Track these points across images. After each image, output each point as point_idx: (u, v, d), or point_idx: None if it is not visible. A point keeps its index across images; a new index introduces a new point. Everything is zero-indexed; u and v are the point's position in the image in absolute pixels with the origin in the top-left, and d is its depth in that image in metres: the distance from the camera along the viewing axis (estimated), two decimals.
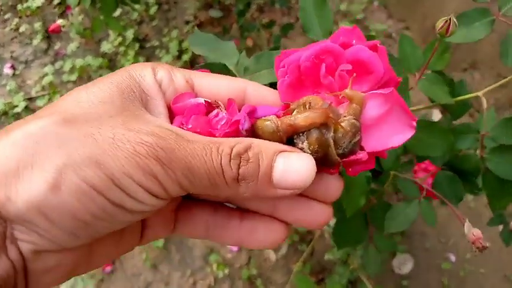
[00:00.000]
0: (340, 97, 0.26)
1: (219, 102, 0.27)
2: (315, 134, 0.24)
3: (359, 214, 0.63)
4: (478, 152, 0.54)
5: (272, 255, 1.35)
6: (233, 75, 0.40)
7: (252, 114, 0.26)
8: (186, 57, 1.67)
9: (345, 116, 0.25)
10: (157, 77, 0.26)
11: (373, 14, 1.82)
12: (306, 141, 0.24)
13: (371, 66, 0.26)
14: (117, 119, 0.22)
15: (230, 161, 0.22)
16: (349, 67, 0.26)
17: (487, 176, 0.53)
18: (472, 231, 0.46)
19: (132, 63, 1.66)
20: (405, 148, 0.50)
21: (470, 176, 0.57)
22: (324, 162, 0.25)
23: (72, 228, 0.20)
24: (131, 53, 1.72)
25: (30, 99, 1.69)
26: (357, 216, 0.62)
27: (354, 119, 0.25)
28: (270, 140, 0.24)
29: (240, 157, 0.22)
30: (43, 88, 1.70)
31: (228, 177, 0.22)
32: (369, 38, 0.29)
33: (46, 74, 1.73)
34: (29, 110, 1.65)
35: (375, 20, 1.80)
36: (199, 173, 0.21)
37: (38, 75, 1.74)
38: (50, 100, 1.65)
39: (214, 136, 0.24)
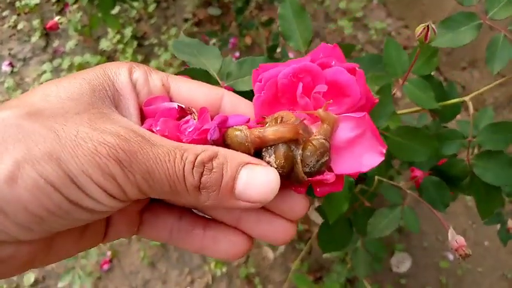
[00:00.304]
0: (314, 116, 0.26)
1: (193, 109, 0.26)
2: (282, 149, 0.24)
3: (343, 219, 0.63)
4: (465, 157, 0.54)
5: (270, 254, 1.35)
6: (215, 81, 0.40)
7: (224, 124, 0.25)
8: None
9: (315, 136, 0.25)
10: (133, 76, 0.26)
11: (372, 12, 1.82)
12: (273, 155, 0.24)
13: (348, 90, 0.26)
14: (84, 117, 0.22)
15: (193, 168, 0.22)
16: (325, 89, 0.26)
17: (474, 181, 0.53)
18: (456, 239, 0.46)
19: (131, 60, 1.66)
20: (391, 154, 0.50)
21: (458, 181, 0.57)
22: (290, 179, 0.25)
23: (26, 222, 0.20)
24: (129, 50, 1.71)
25: None
26: (341, 221, 0.62)
27: (324, 139, 0.25)
28: (238, 150, 0.24)
29: (204, 166, 0.22)
30: None
31: (190, 184, 0.22)
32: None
33: (44, 72, 1.72)
34: None
35: (374, 18, 1.80)
36: (160, 178, 0.21)
37: (36, 73, 1.74)
38: None
39: (181, 141, 0.24)
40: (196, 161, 0.22)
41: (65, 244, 0.24)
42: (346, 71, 0.26)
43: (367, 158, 0.25)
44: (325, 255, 1.28)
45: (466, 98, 0.51)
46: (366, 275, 0.83)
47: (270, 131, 0.24)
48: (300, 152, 0.24)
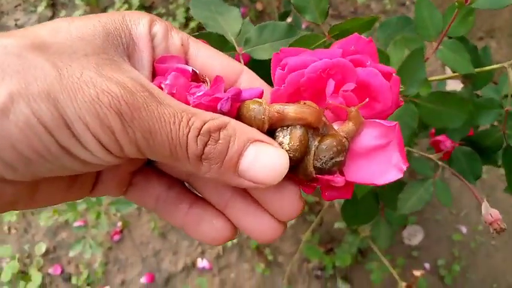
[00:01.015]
0: (338, 113, 0.24)
1: (207, 78, 0.24)
2: (299, 131, 0.22)
3: (369, 193, 0.61)
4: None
5: None
6: (232, 47, 0.38)
7: (237, 96, 0.23)
8: (193, 24, 1.63)
9: (337, 132, 0.23)
10: (153, 29, 0.24)
11: None
12: (287, 136, 0.22)
13: (380, 95, 0.24)
14: (91, 60, 0.20)
15: (198, 136, 0.20)
16: (352, 87, 0.23)
17: (507, 153, 0.51)
18: (490, 212, 0.43)
19: None
20: (421, 121, 0.47)
21: (490, 152, 0.54)
22: (297, 171, 0.23)
23: (12, 160, 0.18)
24: None
25: None
26: (367, 195, 0.60)
27: (345, 137, 0.23)
28: (251, 125, 0.22)
29: (210, 135, 0.21)
30: None
31: (191, 153, 0.20)
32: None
33: None
34: None
35: None
36: (161, 140, 0.20)
37: None
38: None
39: (187, 103, 0.22)
40: (203, 128, 0.20)
41: (52, 191, 0.23)
42: (381, 75, 0.24)
43: (385, 171, 0.23)
44: (336, 226, 1.27)
45: (506, 64, 0.47)
46: (387, 247, 0.81)
47: (292, 108, 0.22)
48: (316, 143, 0.23)
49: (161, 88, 0.23)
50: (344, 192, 0.24)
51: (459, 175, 0.53)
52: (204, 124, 0.20)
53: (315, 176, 0.23)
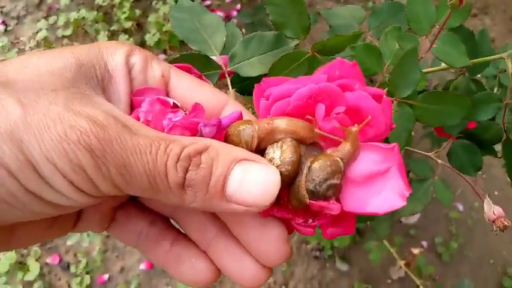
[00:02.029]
0: (332, 140, 0.22)
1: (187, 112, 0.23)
2: (290, 143, 0.21)
3: None
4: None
5: None
6: (217, 67, 0.36)
7: (218, 126, 0.22)
8: None
9: (331, 153, 0.21)
10: (131, 60, 0.23)
11: None
12: (278, 150, 0.21)
13: (373, 120, 0.22)
14: (60, 95, 0.19)
15: (177, 162, 0.19)
16: (343, 109, 0.22)
17: (507, 146, 0.50)
18: (493, 210, 0.41)
19: (128, 15, 1.60)
20: (417, 120, 0.46)
21: (489, 144, 0.53)
22: (289, 196, 0.21)
23: None
24: (127, 5, 1.65)
25: None
26: None
27: (340, 158, 0.21)
28: (242, 147, 0.21)
29: (191, 160, 0.19)
30: (37, 44, 1.64)
31: (172, 181, 0.19)
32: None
33: (40, 30, 1.66)
34: None
35: None
36: (138, 173, 0.18)
37: (31, 31, 1.68)
38: None
39: (163, 129, 0.21)
40: (182, 153, 0.19)
41: (30, 233, 0.22)
42: (371, 98, 0.22)
43: (387, 199, 0.21)
44: None
45: (504, 55, 0.45)
46: (386, 235, 0.81)
47: (283, 121, 0.21)
48: (308, 163, 0.21)
49: (138, 118, 0.21)
50: (346, 227, 0.23)
51: (459, 171, 0.52)
52: (184, 149, 0.19)
53: (308, 201, 0.21)
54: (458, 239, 1.29)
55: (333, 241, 1.22)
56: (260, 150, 0.21)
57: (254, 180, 0.20)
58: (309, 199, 0.21)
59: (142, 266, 1.26)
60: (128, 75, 0.23)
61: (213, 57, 0.36)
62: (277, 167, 0.20)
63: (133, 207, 0.25)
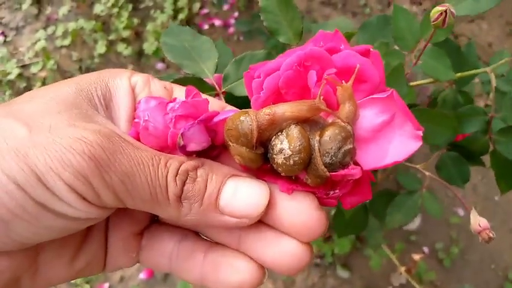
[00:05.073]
0: (338, 90, 0.22)
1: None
2: (295, 129, 0.20)
3: (359, 206, 0.61)
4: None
5: None
6: (211, 88, 0.37)
7: (210, 119, 0.22)
8: (182, 16, 1.60)
9: (334, 120, 0.21)
10: (133, 79, 0.24)
11: None
12: (285, 140, 0.20)
13: (364, 74, 0.22)
14: (64, 115, 0.20)
15: (176, 175, 0.20)
16: (334, 71, 0.22)
17: (494, 156, 0.51)
18: (478, 222, 0.42)
19: (126, 24, 1.61)
20: None
21: (477, 157, 0.55)
22: (308, 177, 0.21)
23: None
24: (125, 14, 1.65)
25: (24, 66, 1.64)
26: (356, 208, 0.60)
27: (346, 122, 0.21)
28: (238, 137, 0.21)
29: (188, 173, 0.21)
30: (36, 54, 1.65)
31: (171, 193, 0.20)
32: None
33: (38, 40, 1.67)
34: (23, 77, 1.60)
35: None
36: (140, 184, 0.19)
37: (30, 42, 1.68)
38: (44, 66, 1.60)
39: (164, 125, 0.22)
40: (181, 168, 0.21)
41: (54, 265, 0.22)
42: (358, 54, 0.22)
43: (402, 145, 0.21)
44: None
45: (488, 69, 0.46)
46: (379, 246, 0.81)
47: (284, 107, 0.20)
48: (317, 138, 0.20)
49: (138, 126, 0.22)
50: (363, 193, 0.23)
51: (448, 183, 0.53)
52: (182, 164, 0.21)
53: (328, 174, 0.20)
54: (459, 244, 1.28)
55: (334, 248, 1.22)
56: (263, 141, 0.21)
57: (245, 192, 0.21)
58: (329, 172, 0.20)
59: (142, 275, 1.25)
60: (131, 93, 0.24)
61: (206, 80, 0.37)
62: (289, 157, 0.20)
63: (158, 230, 0.25)
